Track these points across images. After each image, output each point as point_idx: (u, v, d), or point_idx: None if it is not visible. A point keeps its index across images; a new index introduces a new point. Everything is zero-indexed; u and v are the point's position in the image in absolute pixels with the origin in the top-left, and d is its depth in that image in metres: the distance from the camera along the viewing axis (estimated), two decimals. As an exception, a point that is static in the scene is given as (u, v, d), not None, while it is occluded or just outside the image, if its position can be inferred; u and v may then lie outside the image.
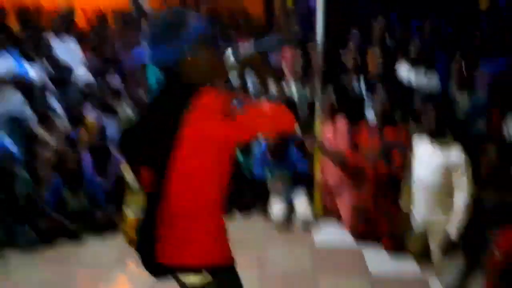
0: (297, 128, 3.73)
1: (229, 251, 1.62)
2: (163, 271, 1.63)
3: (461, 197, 2.87)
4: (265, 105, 1.54)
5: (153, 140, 1.48)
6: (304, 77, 3.96)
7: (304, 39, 4.19)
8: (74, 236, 3.61)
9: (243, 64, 1.58)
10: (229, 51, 1.58)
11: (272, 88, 1.75)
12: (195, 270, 1.54)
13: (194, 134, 1.41)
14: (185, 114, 1.39)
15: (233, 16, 6.59)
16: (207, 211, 1.55)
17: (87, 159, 3.93)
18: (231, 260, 1.62)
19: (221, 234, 1.61)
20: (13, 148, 3.85)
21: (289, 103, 3.98)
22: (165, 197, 1.51)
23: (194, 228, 1.54)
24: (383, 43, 4.04)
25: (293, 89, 4.07)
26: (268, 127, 1.56)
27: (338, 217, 3.69)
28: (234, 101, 1.44)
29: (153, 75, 1.68)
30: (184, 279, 1.58)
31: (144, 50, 4.44)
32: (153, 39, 1.47)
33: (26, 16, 5.35)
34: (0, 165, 3.54)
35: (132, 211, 2.65)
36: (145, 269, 1.65)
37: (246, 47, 1.61)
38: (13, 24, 5.26)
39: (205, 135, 1.42)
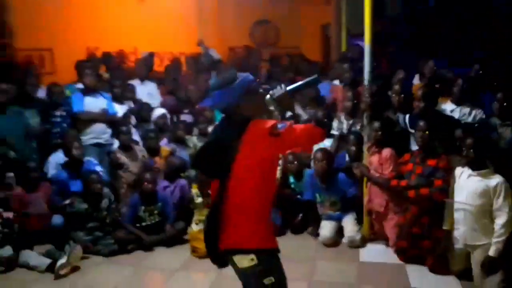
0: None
1: (271, 239, 2.11)
2: (222, 257, 2.12)
3: (501, 220, 3.03)
4: (300, 126, 2.10)
5: (218, 157, 2.04)
6: (354, 113, 4.37)
7: (355, 79, 4.66)
8: (147, 247, 4.15)
9: (276, 102, 2.15)
10: (271, 92, 2.15)
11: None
12: (245, 252, 2.02)
13: (248, 151, 1.99)
14: (240, 139, 1.96)
15: (292, 60, 7.29)
16: (255, 208, 2.07)
17: (161, 182, 4.55)
18: (273, 245, 2.10)
19: (266, 226, 2.10)
20: (101, 171, 4.57)
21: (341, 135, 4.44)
22: (225, 199, 2.04)
23: (245, 221, 2.05)
24: (428, 83, 4.35)
25: (344, 123, 4.50)
26: (304, 139, 2.09)
27: (385, 240, 3.93)
28: (278, 125, 1.99)
29: (219, 114, 2.29)
30: (237, 263, 2.04)
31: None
32: (213, 87, 2.11)
33: (111, 62, 6.35)
34: (90, 185, 4.20)
35: (197, 225, 3.29)
36: (210, 258, 2.17)
37: (283, 88, 2.16)
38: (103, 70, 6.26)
39: (256, 152, 1.99)
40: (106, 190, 4.35)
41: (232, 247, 2.05)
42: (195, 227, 4.01)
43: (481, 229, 3.14)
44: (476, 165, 3.13)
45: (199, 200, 4.16)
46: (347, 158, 4.21)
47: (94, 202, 4.20)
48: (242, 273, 2.07)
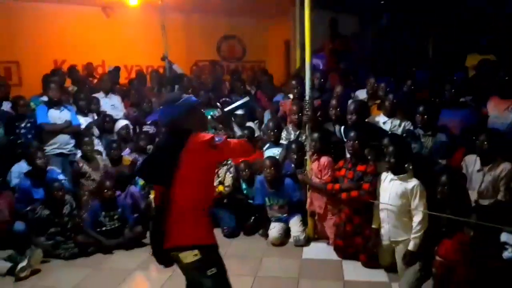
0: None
1: (211, 236, 2.41)
2: (167, 256, 2.40)
3: (418, 218, 3.47)
4: (234, 140, 2.51)
5: (162, 165, 2.36)
6: (300, 124, 4.79)
7: (302, 95, 5.08)
8: (107, 250, 4.40)
9: (216, 121, 2.66)
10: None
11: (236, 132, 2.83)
12: (189, 248, 2.31)
13: (189, 160, 2.31)
14: (183, 148, 2.30)
15: (255, 74, 7.70)
16: (197, 210, 2.38)
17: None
18: (213, 241, 2.41)
19: (207, 225, 2.42)
20: (63, 179, 4.82)
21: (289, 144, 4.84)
22: (169, 203, 2.34)
23: (188, 221, 2.35)
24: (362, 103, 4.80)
25: (291, 133, 4.91)
26: (238, 152, 2.53)
27: (327, 239, 4.32)
28: (216, 138, 2.35)
29: None
30: (183, 259, 2.32)
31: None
32: (162, 104, 2.49)
33: (76, 75, 6.60)
34: (53, 193, 4.42)
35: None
36: (156, 259, 2.45)
37: (222, 107, 2.68)
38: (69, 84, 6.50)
39: (197, 161, 2.32)
40: (68, 197, 4.59)
41: (178, 244, 2.33)
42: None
43: (401, 227, 3.58)
44: (396, 170, 3.58)
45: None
46: (292, 165, 4.60)
47: (56, 208, 4.44)
48: (187, 268, 2.37)
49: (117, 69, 7.00)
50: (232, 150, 2.45)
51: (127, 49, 8.16)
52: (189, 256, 2.30)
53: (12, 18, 7.24)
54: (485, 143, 3.56)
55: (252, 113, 5.91)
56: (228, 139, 2.42)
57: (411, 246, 3.48)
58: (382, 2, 8.30)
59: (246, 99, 2.74)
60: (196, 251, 2.30)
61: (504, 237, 3.24)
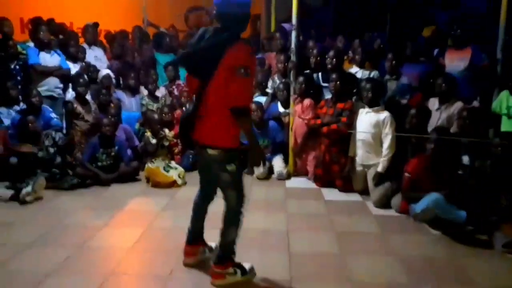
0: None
1: (237, 140, 2.54)
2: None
3: (386, 144, 4.14)
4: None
5: (206, 60, 2.43)
6: (284, 73, 5.34)
7: (285, 48, 5.64)
8: (104, 183, 4.69)
9: None
10: None
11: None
12: (216, 148, 2.51)
13: (228, 64, 2.37)
14: (225, 52, 2.38)
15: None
16: (226, 114, 2.44)
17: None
18: (238, 145, 2.56)
19: (234, 129, 2.51)
20: (56, 117, 5.05)
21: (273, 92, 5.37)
22: (204, 100, 2.50)
23: (218, 123, 2.49)
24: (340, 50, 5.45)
25: (276, 82, 5.45)
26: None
27: (306, 175, 4.92)
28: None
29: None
30: (208, 152, 2.54)
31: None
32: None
33: (60, 27, 6.67)
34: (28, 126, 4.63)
35: (153, 163, 3.97)
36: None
37: None
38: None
39: (232, 66, 2.36)
40: (51, 131, 4.81)
41: (206, 143, 2.53)
42: (151, 165, 4.69)
43: (373, 152, 4.26)
44: (371, 104, 4.22)
45: (153, 141, 4.86)
46: (279, 107, 5.14)
47: (34, 142, 4.65)
48: (209, 159, 2.55)
49: (96, 25, 7.06)
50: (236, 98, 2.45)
51: (96, 12, 8.17)
52: (214, 152, 2.52)
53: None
54: (443, 85, 4.27)
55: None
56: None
57: (380, 168, 4.15)
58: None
59: None
60: (221, 151, 2.50)
61: (465, 159, 3.96)
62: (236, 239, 2.68)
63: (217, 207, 2.76)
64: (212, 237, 2.90)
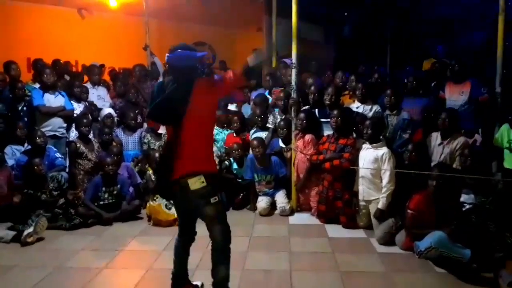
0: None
1: (213, 165, 2.80)
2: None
3: (386, 180, 4.11)
4: (230, 74, 2.78)
5: (174, 108, 2.61)
6: (285, 109, 5.39)
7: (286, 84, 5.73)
8: (106, 222, 4.67)
9: None
10: None
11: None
12: (196, 174, 2.62)
13: (198, 101, 2.60)
14: (191, 94, 2.60)
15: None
16: (203, 144, 2.70)
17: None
18: (215, 169, 2.81)
19: (211, 154, 2.83)
20: (60, 157, 5.10)
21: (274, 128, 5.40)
22: (179, 138, 2.63)
23: (195, 153, 2.64)
24: (338, 87, 5.52)
25: (277, 117, 5.51)
26: (234, 83, 2.84)
27: (309, 211, 4.86)
28: (215, 76, 2.81)
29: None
30: (190, 186, 2.60)
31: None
32: (178, 48, 2.71)
33: (60, 67, 6.82)
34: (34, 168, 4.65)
35: (155, 201, 4.03)
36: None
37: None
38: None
39: (203, 99, 2.62)
40: (55, 173, 4.87)
41: (186, 172, 2.62)
42: (153, 203, 4.67)
43: (374, 188, 4.23)
44: (372, 140, 4.23)
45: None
46: (280, 143, 5.15)
47: (41, 185, 4.69)
48: (192, 196, 2.62)
49: (101, 66, 7.23)
50: (229, 84, 2.78)
51: (101, 50, 8.40)
52: (197, 183, 2.60)
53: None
54: (446, 120, 4.27)
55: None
56: (226, 76, 2.76)
57: (380, 205, 4.11)
58: (346, 14, 9.28)
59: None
60: (202, 178, 2.61)
61: (463, 197, 3.93)
62: (229, 275, 2.71)
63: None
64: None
